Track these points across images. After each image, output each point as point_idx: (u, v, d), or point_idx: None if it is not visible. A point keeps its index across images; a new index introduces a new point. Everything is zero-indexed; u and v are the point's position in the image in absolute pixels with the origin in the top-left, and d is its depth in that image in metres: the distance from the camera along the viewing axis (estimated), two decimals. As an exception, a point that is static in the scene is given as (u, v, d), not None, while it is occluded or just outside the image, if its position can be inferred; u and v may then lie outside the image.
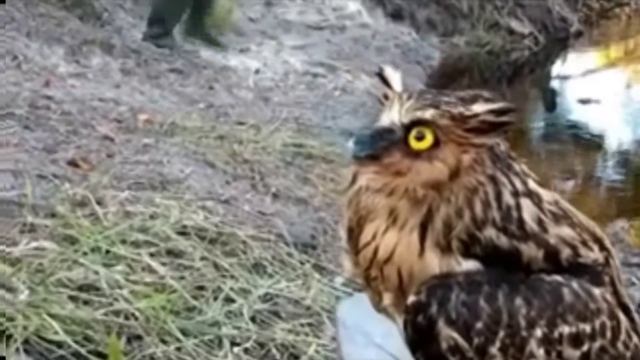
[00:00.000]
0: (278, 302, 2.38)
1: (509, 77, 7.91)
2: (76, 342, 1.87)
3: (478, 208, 0.88)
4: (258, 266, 2.54)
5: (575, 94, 7.00)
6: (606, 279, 0.95)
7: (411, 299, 0.88)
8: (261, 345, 2.18)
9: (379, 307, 0.97)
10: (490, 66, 7.99)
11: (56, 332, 1.81)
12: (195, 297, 2.26)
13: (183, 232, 2.57)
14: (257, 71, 5.57)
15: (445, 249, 0.88)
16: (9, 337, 1.74)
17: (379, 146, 0.89)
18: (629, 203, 4.38)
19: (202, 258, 2.45)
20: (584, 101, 6.46)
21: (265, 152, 3.80)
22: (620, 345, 0.92)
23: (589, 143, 5.65)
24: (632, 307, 0.99)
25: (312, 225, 3.00)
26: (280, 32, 6.95)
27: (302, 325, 2.30)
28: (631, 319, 0.98)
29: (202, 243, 2.55)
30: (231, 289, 2.33)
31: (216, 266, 2.45)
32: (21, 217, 2.35)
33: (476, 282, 0.87)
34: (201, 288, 2.32)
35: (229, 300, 2.30)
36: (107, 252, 2.31)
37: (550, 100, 6.95)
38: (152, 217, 2.59)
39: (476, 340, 0.85)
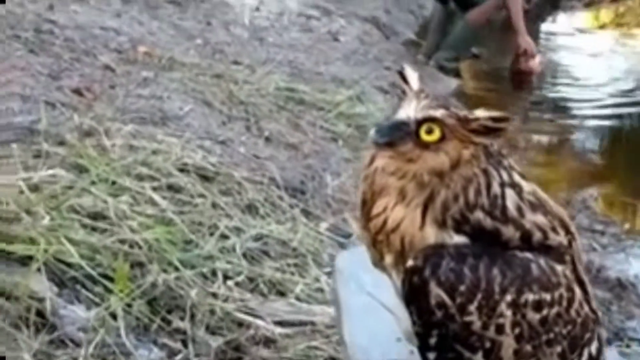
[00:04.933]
0: (268, 242, 2.55)
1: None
2: (87, 265, 2.05)
3: (471, 195, 1.07)
4: (251, 207, 2.71)
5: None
6: (568, 258, 1.15)
7: (410, 262, 1.07)
8: (251, 279, 2.37)
9: (377, 263, 1.17)
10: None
11: (72, 255, 1.99)
12: (192, 232, 2.43)
13: (183, 169, 2.72)
14: (257, 9, 5.64)
15: (441, 224, 1.08)
16: (30, 258, 1.92)
17: (395, 136, 1.07)
18: (602, 171, 4.56)
19: (200, 195, 2.61)
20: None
21: (259, 95, 3.93)
22: (573, 313, 1.13)
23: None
24: (587, 281, 1.20)
25: (302, 171, 3.17)
26: (277, -31, 6.97)
27: (288, 265, 2.48)
28: (585, 292, 1.19)
29: (201, 181, 2.71)
30: (226, 226, 2.50)
31: (213, 204, 2.62)
32: (34, 143, 2.49)
33: (463, 253, 1.07)
34: (199, 223, 2.48)
35: (223, 236, 2.47)
36: (114, 182, 2.47)
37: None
38: (154, 152, 2.75)
39: (458, 300, 1.05)
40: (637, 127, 5.45)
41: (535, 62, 5.96)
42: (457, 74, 5.98)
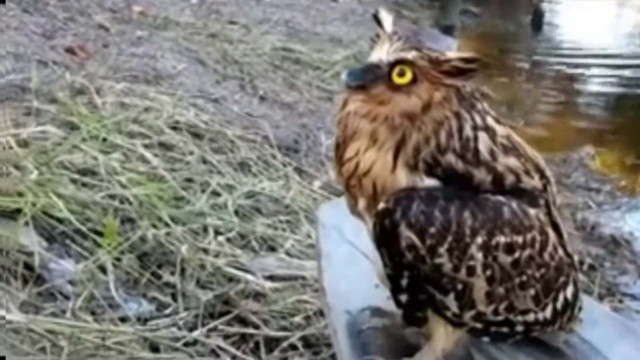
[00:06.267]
0: (260, 199, 2.55)
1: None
2: (77, 220, 2.06)
3: (443, 137, 1.06)
4: (244, 165, 2.70)
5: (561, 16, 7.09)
6: (542, 202, 1.15)
7: (381, 205, 1.07)
8: (242, 236, 2.37)
9: (354, 209, 1.17)
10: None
11: (60, 210, 1.99)
12: (184, 189, 2.42)
13: (175, 127, 2.72)
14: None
15: (412, 168, 1.07)
16: (19, 211, 1.92)
17: (367, 78, 1.06)
18: (599, 130, 4.54)
19: (192, 153, 2.61)
20: None
21: (254, 54, 3.91)
22: (546, 256, 1.13)
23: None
24: (562, 225, 1.20)
25: (296, 130, 3.16)
26: None
27: (280, 221, 2.48)
28: (560, 236, 1.19)
29: (193, 139, 2.71)
30: (218, 184, 2.50)
31: (205, 161, 2.61)
32: (25, 101, 2.48)
33: (434, 196, 1.06)
34: (190, 180, 2.48)
35: (215, 194, 2.47)
36: (104, 140, 2.46)
37: (538, 21, 7.00)
38: (146, 110, 2.74)
39: (428, 242, 1.05)
40: (636, 88, 5.42)
41: None
42: (456, 34, 5.96)
